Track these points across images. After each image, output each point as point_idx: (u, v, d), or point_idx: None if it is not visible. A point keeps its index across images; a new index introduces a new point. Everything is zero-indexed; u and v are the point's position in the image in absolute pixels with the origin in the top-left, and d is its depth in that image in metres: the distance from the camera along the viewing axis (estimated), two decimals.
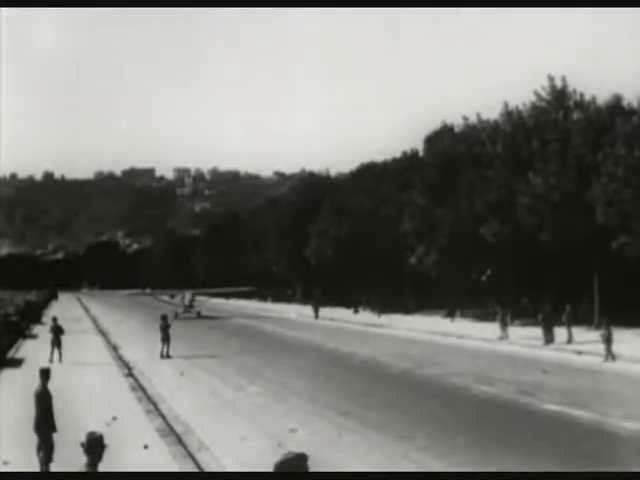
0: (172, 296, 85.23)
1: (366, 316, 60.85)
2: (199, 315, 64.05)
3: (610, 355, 29.44)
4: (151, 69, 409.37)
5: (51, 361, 29.70)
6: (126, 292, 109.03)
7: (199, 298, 75.17)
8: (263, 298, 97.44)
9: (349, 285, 72.26)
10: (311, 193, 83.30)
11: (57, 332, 32.03)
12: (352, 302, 67.76)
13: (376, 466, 14.34)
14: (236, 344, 40.22)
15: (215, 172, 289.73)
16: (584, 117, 44.36)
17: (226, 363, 31.25)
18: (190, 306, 65.39)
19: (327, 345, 38.55)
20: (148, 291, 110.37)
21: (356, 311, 65.77)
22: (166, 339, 34.03)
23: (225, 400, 22.37)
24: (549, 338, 35.60)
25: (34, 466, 13.15)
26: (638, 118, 40.39)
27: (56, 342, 31.61)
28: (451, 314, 55.23)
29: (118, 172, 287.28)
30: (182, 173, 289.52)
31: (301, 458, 6.90)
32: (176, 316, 59.25)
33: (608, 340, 29.66)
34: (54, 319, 34.35)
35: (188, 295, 67.30)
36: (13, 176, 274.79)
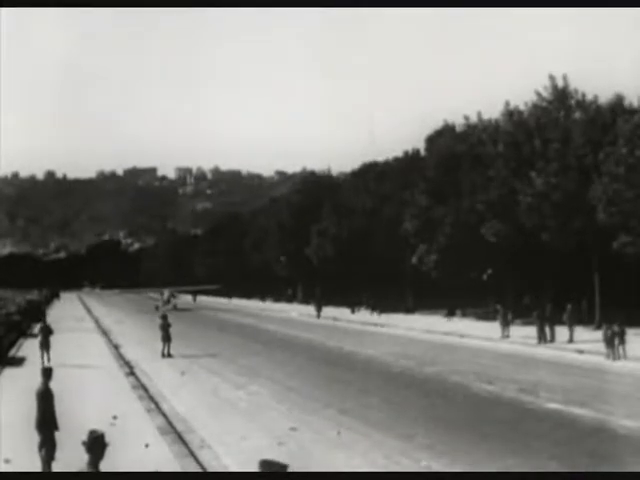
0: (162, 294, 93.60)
1: (365, 315, 60.86)
2: (175, 307, 75.89)
3: (614, 354, 29.50)
4: (153, 69, 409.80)
5: (43, 364, 29.11)
6: (116, 291, 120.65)
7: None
8: (263, 298, 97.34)
9: (350, 284, 72.22)
10: (313, 192, 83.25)
11: (46, 333, 30.91)
12: (350, 301, 67.72)
13: (376, 465, 14.37)
14: (237, 343, 40.25)
15: (217, 171, 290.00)
16: (585, 116, 44.29)
17: (226, 362, 31.27)
18: (168, 301, 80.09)
19: (328, 344, 38.58)
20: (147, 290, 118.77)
21: (353, 310, 65.70)
22: (167, 338, 34.09)
23: (226, 399, 22.40)
24: (547, 337, 35.57)
25: (36, 465, 13.18)
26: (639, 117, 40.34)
27: (45, 343, 30.38)
28: (451, 313, 55.23)
29: (120, 171, 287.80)
30: (184, 172, 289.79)
31: (281, 468, 7.36)
32: (157, 309, 70.38)
33: (620, 339, 29.66)
34: (43, 319, 34.01)
35: (167, 292, 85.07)
36: (15, 175, 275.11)
